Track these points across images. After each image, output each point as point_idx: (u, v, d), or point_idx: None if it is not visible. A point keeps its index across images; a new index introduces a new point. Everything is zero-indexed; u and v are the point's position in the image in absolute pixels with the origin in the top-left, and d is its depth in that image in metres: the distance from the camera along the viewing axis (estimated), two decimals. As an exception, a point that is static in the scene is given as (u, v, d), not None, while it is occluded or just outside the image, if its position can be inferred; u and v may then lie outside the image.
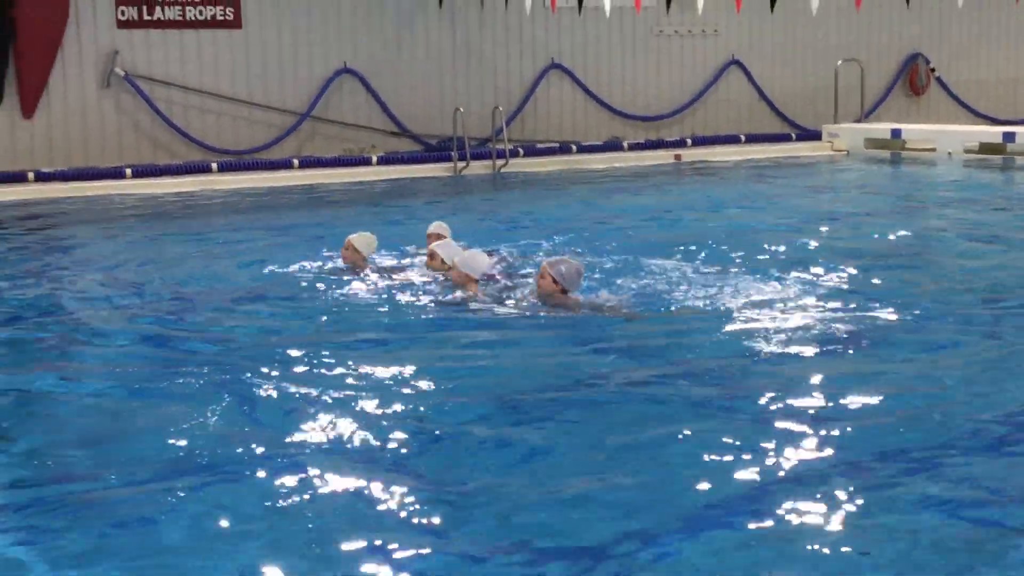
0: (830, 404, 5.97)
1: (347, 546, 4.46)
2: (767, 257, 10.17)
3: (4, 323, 8.57)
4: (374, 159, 18.84)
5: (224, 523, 4.77)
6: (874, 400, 6.05)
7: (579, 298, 8.17)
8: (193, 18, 18.33)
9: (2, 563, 4.49)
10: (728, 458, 5.24)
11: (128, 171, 17.33)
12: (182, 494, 5.01)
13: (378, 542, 4.46)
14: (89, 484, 5.22)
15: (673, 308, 8.21)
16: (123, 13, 17.83)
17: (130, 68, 17.94)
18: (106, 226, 13.84)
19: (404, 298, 8.55)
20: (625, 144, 20.88)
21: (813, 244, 10.93)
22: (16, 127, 17.34)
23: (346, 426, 5.72)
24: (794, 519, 4.60)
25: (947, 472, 5.13)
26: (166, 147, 18.30)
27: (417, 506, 4.81)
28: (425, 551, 4.42)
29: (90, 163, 17.66)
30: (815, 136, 21.94)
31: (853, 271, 9.47)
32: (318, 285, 9.21)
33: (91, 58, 17.78)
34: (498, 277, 9.12)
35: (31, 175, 16.85)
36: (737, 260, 9.94)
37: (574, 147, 20.46)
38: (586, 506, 4.82)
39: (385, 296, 8.69)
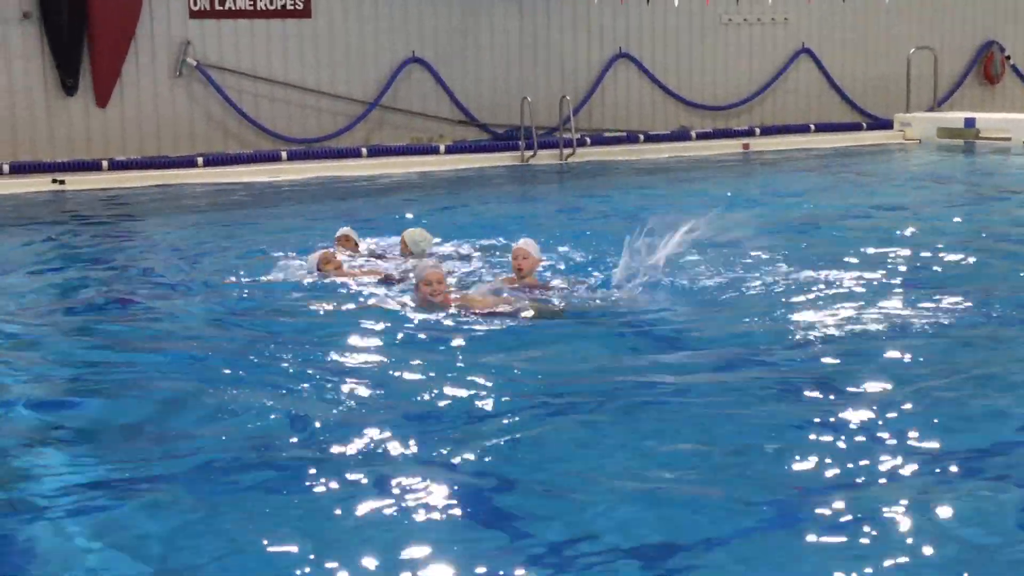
0: (897, 398, 5.89)
1: (403, 542, 4.46)
2: (835, 248, 10.07)
3: (77, 308, 8.74)
4: (442, 148, 18.91)
5: (285, 514, 4.80)
6: (943, 395, 5.97)
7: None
8: (264, 7, 18.50)
9: (60, 547, 4.58)
10: (789, 453, 5.21)
11: (200, 160, 17.55)
12: (234, 481, 5.07)
13: (428, 539, 4.48)
14: (152, 467, 5.31)
15: (734, 298, 8.16)
16: (195, 3, 18.05)
17: (202, 58, 18.16)
18: (178, 213, 14.03)
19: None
20: (692, 133, 20.77)
21: (882, 235, 10.80)
22: (91, 116, 17.62)
23: (407, 421, 5.73)
24: (855, 517, 4.55)
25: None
26: (237, 136, 18.51)
27: (465, 504, 4.80)
28: (474, 551, 4.43)
29: (162, 152, 17.92)
30: (886, 125, 21.67)
31: (923, 262, 9.35)
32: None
33: (164, 48, 18.02)
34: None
35: (105, 163, 17.13)
36: (804, 251, 9.86)
37: (641, 136, 20.38)
38: (645, 503, 4.78)
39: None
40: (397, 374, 6.53)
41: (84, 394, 6.51)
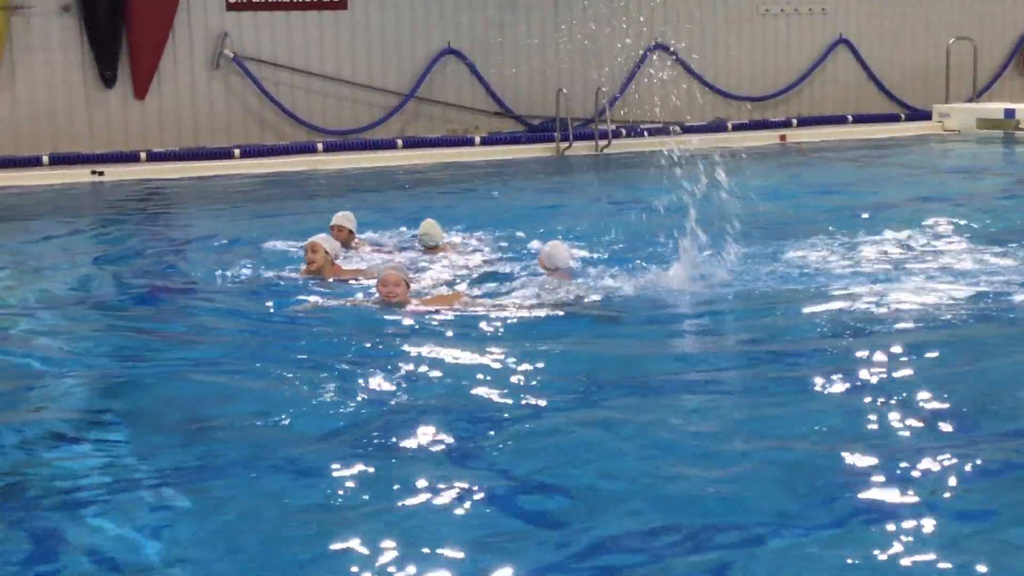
0: (949, 394, 5.82)
1: (454, 536, 4.48)
2: (872, 240, 10.00)
3: (115, 298, 8.81)
4: (477, 139, 18.92)
5: (330, 506, 4.83)
6: (985, 389, 5.93)
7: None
8: None
9: (97, 534, 4.62)
10: (838, 449, 5.18)
11: (236, 151, 17.64)
12: (268, 474, 5.10)
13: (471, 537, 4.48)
14: (185, 458, 5.35)
15: (773, 290, 8.13)
16: (232, -5, 18.13)
17: (239, 50, 18.24)
18: (215, 205, 14.12)
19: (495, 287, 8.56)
20: (729, 125, 20.67)
21: (921, 226, 10.72)
22: (129, 108, 17.74)
23: (449, 417, 5.74)
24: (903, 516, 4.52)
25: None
26: (273, 127, 18.58)
27: (499, 503, 4.81)
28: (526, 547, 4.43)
29: (200, 143, 18.01)
30: (925, 116, 21.47)
31: (962, 254, 9.28)
32: (422, 264, 9.29)
33: (201, 40, 18.11)
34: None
35: (143, 155, 17.24)
36: (842, 243, 9.80)
37: (677, 128, 20.28)
38: (677, 498, 4.76)
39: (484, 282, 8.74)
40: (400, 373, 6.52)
41: (119, 385, 6.56)
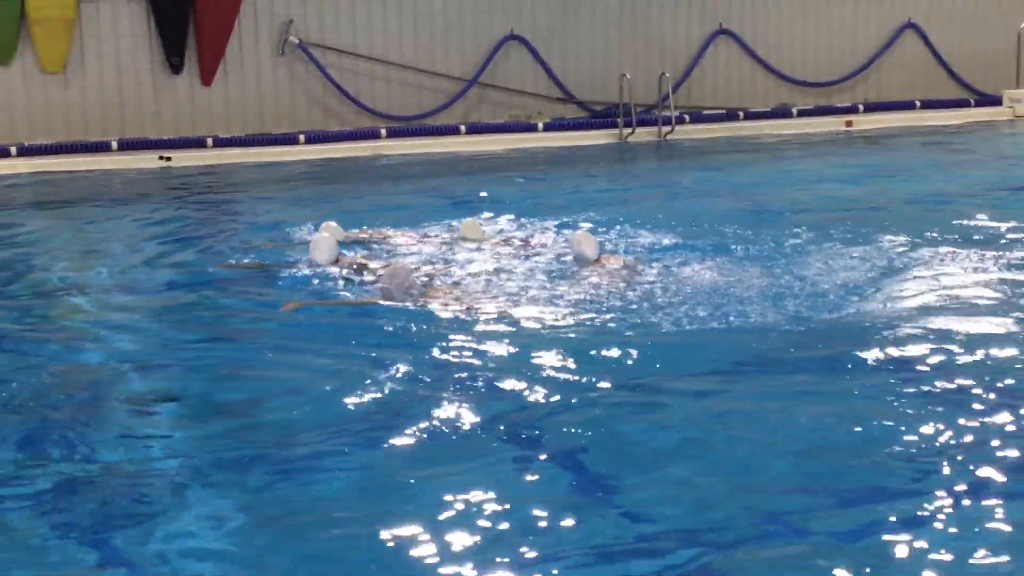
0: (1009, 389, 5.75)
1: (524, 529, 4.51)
2: (941, 228, 9.86)
3: (182, 282, 8.91)
4: (540, 125, 18.90)
5: (385, 491, 4.88)
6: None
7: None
8: (364, -14, 18.63)
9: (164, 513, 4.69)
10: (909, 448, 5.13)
11: (301, 137, 17.78)
12: (322, 463, 5.15)
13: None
14: (242, 444, 5.42)
15: (841, 280, 8.04)
16: (297, -18, 18.24)
17: (304, 36, 18.37)
18: (280, 190, 14.24)
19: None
20: (794, 111, 20.47)
21: (991, 214, 10.55)
22: (196, 95, 17.94)
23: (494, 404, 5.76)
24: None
25: None
26: (337, 113, 18.69)
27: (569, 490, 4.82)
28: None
29: (264, 129, 18.17)
30: (995, 102, 21.11)
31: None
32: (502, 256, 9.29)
33: (266, 27, 18.25)
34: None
35: (210, 141, 17.44)
36: (911, 232, 9.67)
37: (741, 114, 20.15)
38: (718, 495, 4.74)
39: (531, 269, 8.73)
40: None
41: (180, 371, 6.64)
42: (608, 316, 7.22)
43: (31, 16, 16.66)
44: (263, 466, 5.12)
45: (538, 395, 5.87)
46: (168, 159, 16.56)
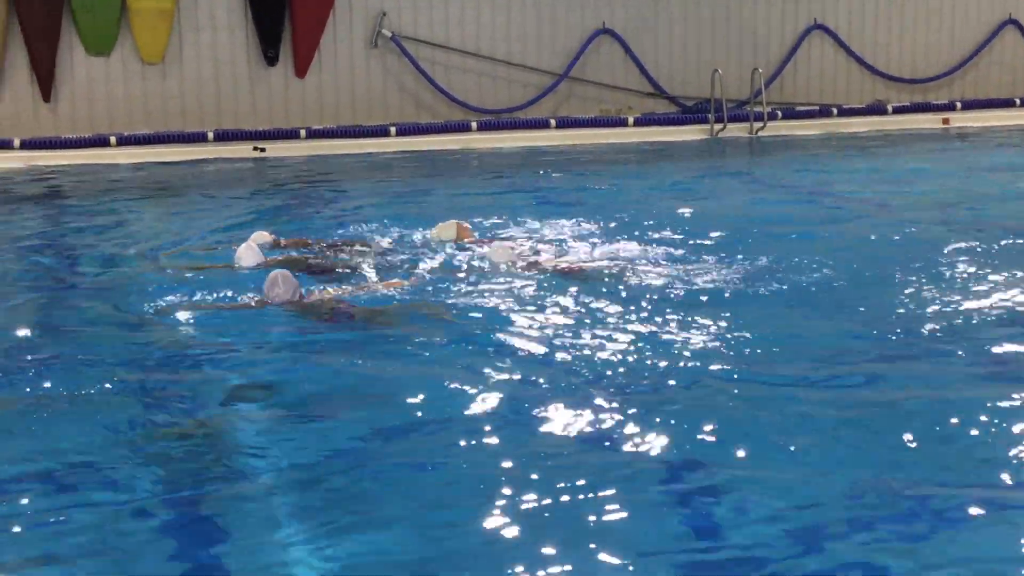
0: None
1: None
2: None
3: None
4: (630, 120, 18.85)
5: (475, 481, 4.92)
6: None
7: None
8: (457, -20, 18.74)
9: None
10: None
11: (392, 129, 17.94)
12: (404, 458, 5.20)
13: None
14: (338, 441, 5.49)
15: (929, 280, 7.93)
16: (391, -24, 18.39)
17: (396, 29, 18.52)
18: (373, 181, 14.38)
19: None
20: (889, 107, 20.16)
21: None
22: (290, 87, 18.19)
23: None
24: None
25: None
26: (428, 106, 18.83)
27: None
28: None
29: (357, 121, 18.36)
30: (1098, 100, 20.60)
31: None
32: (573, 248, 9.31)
33: (360, 20, 18.43)
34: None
35: (303, 132, 17.68)
36: (1011, 232, 9.49)
37: (835, 110, 19.90)
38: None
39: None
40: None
41: (274, 369, 6.73)
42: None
43: (131, 7, 17.03)
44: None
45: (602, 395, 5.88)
46: (263, 150, 16.82)
